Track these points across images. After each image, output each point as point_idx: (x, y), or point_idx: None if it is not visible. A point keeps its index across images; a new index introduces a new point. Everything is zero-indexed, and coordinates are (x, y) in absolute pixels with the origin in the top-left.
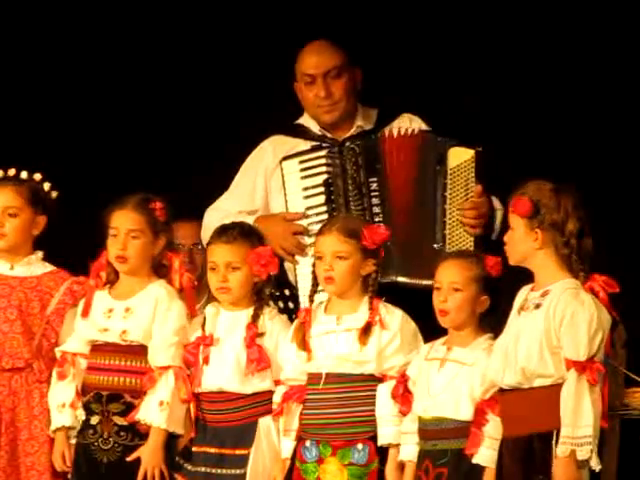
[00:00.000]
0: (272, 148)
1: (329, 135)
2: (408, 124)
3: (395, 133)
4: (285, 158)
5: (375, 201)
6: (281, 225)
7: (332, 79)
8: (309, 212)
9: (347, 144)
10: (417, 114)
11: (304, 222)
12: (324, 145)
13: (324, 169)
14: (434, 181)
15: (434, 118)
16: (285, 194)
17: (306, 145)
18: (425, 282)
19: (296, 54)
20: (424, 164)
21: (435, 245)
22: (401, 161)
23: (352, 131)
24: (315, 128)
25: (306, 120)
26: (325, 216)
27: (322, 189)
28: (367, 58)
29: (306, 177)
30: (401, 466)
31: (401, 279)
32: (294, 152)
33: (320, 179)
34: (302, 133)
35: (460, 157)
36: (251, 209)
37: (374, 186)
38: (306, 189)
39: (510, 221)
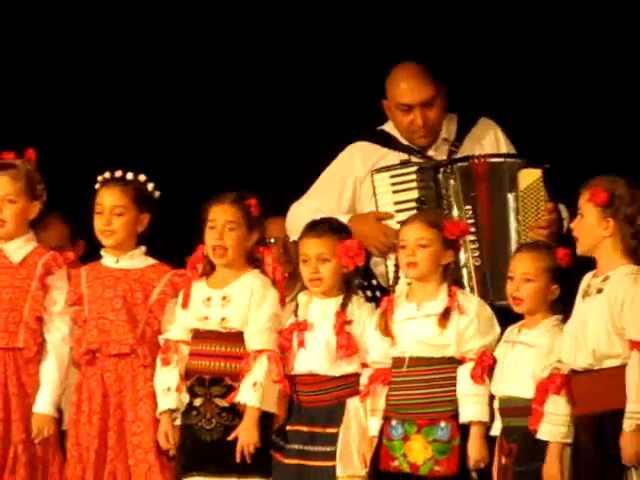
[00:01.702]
0: (360, 155)
1: (416, 147)
2: (486, 131)
3: (481, 160)
4: (377, 170)
5: (471, 229)
6: (374, 226)
7: (429, 108)
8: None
9: (442, 170)
10: (492, 117)
11: (393, 222)
12: (414, 161)
13: (415, 185)
14: (507, 205)
15: (507, 120)
16: (377, 206)
17: (394, 155)
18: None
19: (376, 65)
20: (498, 189)
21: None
22: (484, 188)
23: (438, 143)
24: (421, 140)
25: (391, 128)
26: None
27: (414, 204)
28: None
29: (398, 192)
30: (485, 442)
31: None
32: (385, 165)
33: (412, 194)
34: (389, 142)
35: (529, 178)
36: (337, 214)
37: (470, 214)
38: (398, 203)
39: (582, 209)
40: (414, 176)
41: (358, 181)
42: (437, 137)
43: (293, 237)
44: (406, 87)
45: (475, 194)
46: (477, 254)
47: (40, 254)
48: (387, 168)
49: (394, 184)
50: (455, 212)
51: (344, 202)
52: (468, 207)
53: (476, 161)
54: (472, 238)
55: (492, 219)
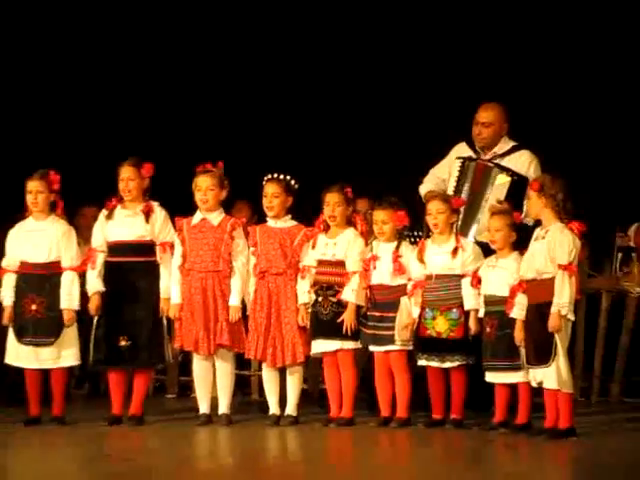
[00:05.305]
0: (457, 149)
1: (481, 152)
2: (524, 156)
3: (482, 162)
4: (457, 158)
5: (465, 190)
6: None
7: (484, 126)
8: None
9: (466, 162)
10: (533, 150)
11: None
12: (464, 157)
13: (460, 168)
14: (486, 189)
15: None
16: (449, 174)
17: (470, 152)
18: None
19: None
20: (485, 180)
21: (477, 220)
22: (479, 175)
23: (489, 154)
24: (478, 145)
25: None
26: (453, 190)
27: (456, 176)
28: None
29: (457, 169)
30: (477, 320)
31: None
32: (460, 156)
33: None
34: (472, 146)
35: (502, 179)
36: (443, 178)
37: (467, 187)
38: (457, 174)
39: (529, 195)
40: (460, 163)
41: (451, 162)
42: (492, 149)
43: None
44: (479, 111)
45: (473, 177)
46: (463, 213)
47: (227, 220)
48: (459, 158)
49: (459, 165)
50: (464, 184)
51: (447, 173)
52: (467, 184)
53: (479, 161)
54: (465, 194)
55: (476, 193)
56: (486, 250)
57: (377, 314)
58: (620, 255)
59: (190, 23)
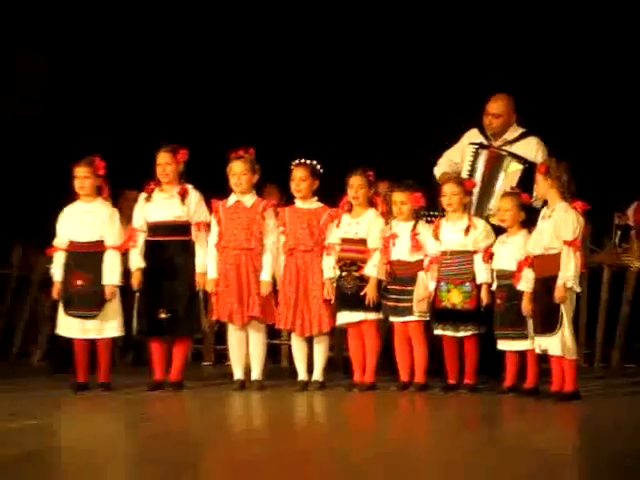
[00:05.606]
0: (469, 135)
1: (492, 139)
2: (531, 142)
3: (494, 149)
4: (470, 143)
5: (478, 175)
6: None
7: (494, 117)
8: (464, 167)
9: (478, 148)
10: (539, 136)
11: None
12: (483, 144)
13: (473, 154)
14: (498, 175)
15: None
16: (462, 158)
17: (481, 138)
18: (490, 219)
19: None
20: (498, 166)
21: (490, 204)
22: (491, 162)
23: (500, 141)
24: (489, 133)
25: None
26: (467, 174)
27: (470, 161)
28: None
29: (470, 154)
30: (488, 292)
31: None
32: (473, 142)
33: (471, 157)
34: (483, 133)
35: (514, 167)
36: (456, 161)
37: (480, 172)
38: (470, 160)
39: (537, 179)
40: (473, 150)
41: (464, 147)
42: (502, 135)
43: (436, 173)
44: (489, 103)
45: (486, 163)
46: (476, 195)
47: (259, 202)
48: (472, 144)
49: (472, 150)
50: (477, 169)
51: (459, 156)
52: (480, 170)
53: (492, 149)
54: (478, 180)
55: (489, 178)
56: (497, 231)
57: (397, 288)
58: (619, 233)
59: (222, 13)
